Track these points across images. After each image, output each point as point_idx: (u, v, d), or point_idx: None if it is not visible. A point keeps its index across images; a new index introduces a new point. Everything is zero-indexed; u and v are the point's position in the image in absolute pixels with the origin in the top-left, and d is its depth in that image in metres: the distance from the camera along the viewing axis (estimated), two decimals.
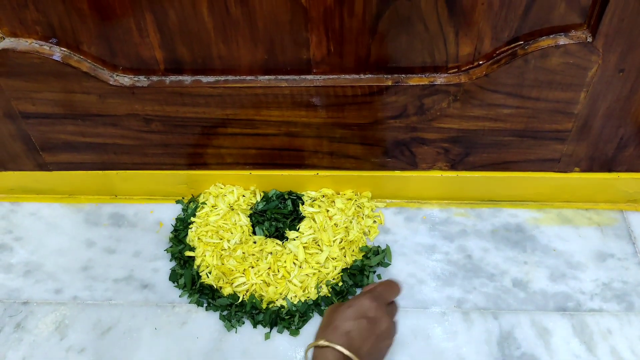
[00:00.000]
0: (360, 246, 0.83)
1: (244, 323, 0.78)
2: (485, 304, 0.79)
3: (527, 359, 0.74)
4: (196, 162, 0.87)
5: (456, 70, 0.73)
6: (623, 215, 0.87)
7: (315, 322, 0.78)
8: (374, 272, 0.82)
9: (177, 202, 0.92)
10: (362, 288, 0.78)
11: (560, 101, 0.74)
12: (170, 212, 0.91)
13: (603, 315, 0.77)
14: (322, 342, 0.61)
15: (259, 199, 0.89)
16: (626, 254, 0.83)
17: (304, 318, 0.78)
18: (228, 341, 0.77)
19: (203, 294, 0.80)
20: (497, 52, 0.71)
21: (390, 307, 0.68)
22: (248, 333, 0.78)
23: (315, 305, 0.78)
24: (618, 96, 0.73)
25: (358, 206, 0.88)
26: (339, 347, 0.60)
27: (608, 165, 0.83)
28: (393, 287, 0.69)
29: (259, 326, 0.78)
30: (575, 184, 0.85)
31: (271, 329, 0.77)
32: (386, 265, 0.83)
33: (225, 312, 0.79)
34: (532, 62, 0.70)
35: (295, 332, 0.77)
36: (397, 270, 0.83)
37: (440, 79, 0.73)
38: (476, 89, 0.73)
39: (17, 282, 0.84)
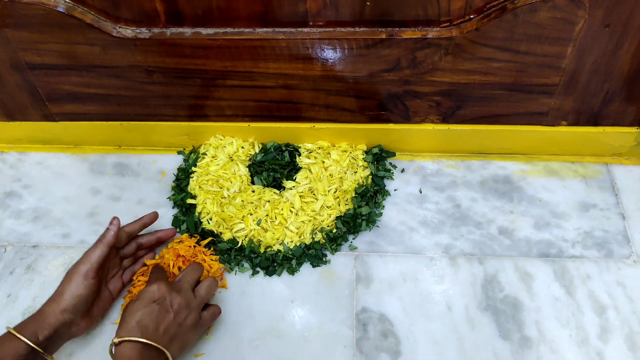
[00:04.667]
0: (352, 196, 0.87)
1: (243, 266, 0.82)
2: (471, 250, 0.83)
3: (509, 300, 0.78)
4: (197, 113, 0.90)
5: (448, 24, 0.75)
6: (607, 168, 0.91)
7: (308, 265, 0.82)
8: (366, 219, 0.86)
9: (179, 152, 0.96)
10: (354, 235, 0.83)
11: (548, 55, 0.77)
12: (172, 162, 0.95)
13: (583, 262, 0.81)
14: (115, 340, 0.65)
15: (257, 150, 0.93)
16: (608, 205, 0.87)
17: (300, 261, 0.82)
18: (228, 281, 0.81)
19: (204, 239, 0.84)
20: (488, 6, 0.73)
21: (182, 278, 0.73)
22: (246, 274, 0.82)
23: (307, 249, 0.83)
24: (604, 51, 0.76)
25: (352, 158, 0.91)
26: (132, 338, 0.64)
27: (594, 119, 0.86)
28: (190, 267, 0.75)
29: (258, 268, 0.82)
30: (562, 138, 0.88)
31: (268, 271, 0.82)
32: (379, 215, 0.87)
33: (225, 256, 0.83)
34: (521, 16, 0.72)
35: (292, 271, 0.82)
36: (388, 218, 0.87)
37: (432, 33, 0.75)
38: (467, 42, 0.76)
39: (27, 227, 0.88)
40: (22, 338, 0.65)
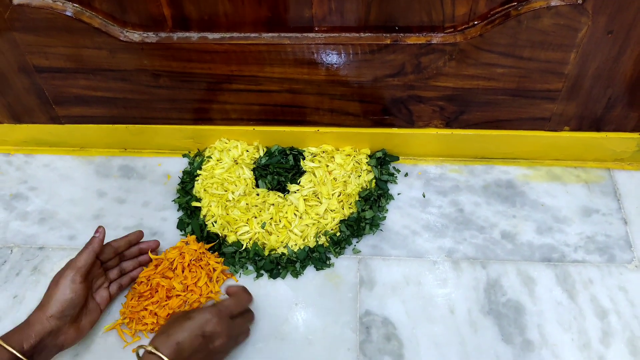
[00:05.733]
0: (356, 200, 0.88)
1: (247, 268, 0.83)
2: (474, 254, 0.84)
3: (512, 304, 0.79)
4: (202, 117, 0.91)
5: (452, 30, 0.76)
6: (610, 173, 0.91)
7: (312, 268, 0.83)
8: (369, 223, 0.86)
9: (184, 155, 0.96)
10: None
11: (551, 61, 0.77)
12: (177, 165, 0.96)
13: (585, 266, 0.82)
14: (149, 348, 0.64)
15: (262, 153, 0.93)
16: (611, 210, 0.87)
17: (304, 264, 0.83)
18: (232, 284, 0.82)
19: (209, 242, 0.85)
20: (492, 12, 0.73)
21: (243, 317, 0.73)
22: (250, 277, 0.83)
23: (311, 252, 0.83)
24: (607, 57, 0.76)
25: (356, 162, 0.92)
26: (163, 356, 0.63)
27: (597, 124, 0.86)
28: (242, 298, 0.74)
29: (262, 271, 0.83)
30: (564, 143, 0.89)
31: (272, 273, 0.82)
32: (382, 219, 0.87)
33: (229, 258, 0.84)
34: (525, 22, 0.73)
35: (296, 274, 0.82)
36: (392, 222, 0.87)
37: (436, 38, 0.76)
38: (471, 48, 0.76)
39: (33, 229, 0.89)
40: (7, 347, 0.63)
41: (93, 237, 0.75)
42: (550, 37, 0.74)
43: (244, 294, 0.76)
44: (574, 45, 0.75)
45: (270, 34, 0.78)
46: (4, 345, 0.64)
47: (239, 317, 0.73)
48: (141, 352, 0.65)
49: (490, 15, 0.74)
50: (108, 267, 0.79)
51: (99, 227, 0.76)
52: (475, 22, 0.75)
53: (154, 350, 0.63)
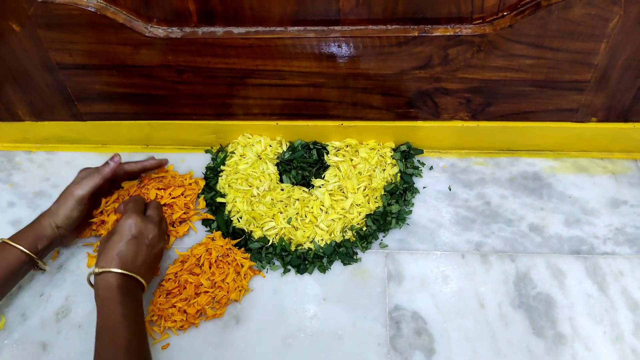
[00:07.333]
0: (382, 194, 0.87)
1: (274, 264, 0.83)
2: (502, 247, 0.83)
3: (542, 297, 0.78)
4: (225, 112, 0.90)
5: (481, 21, 0.75)
6: (637, 164, 0.90)
7: (339, 263, 0.82)
8: (396, 217, 0.86)
9: (206, 151, 0.96)
10: None
11: (581, 52, 0.77)
12: (199, 161, 0.95)
13: (615, 258, 0.81)
14: (96, 270, 0.70)
15: (285, 148, 0.93)
16: (639, 201, 0.86)
17: (331, 259, 0.82)
18: (259, 280, 0.81)
19: (234, 237, 0.85)
20: (522, 3, 0.73)
21: (151, 212, 0.79)
22: (278, 272, 0.82)
23: (338, 247, 0.83)
24: (637, 47, 0.75)
25: (381, 156, 0.91)
26: (113, 269, 0.69)
27: (624, 115, 0.85)
28: (135, 199, 0.80)
29: (289, 266, 0.82)
30: (591, 134, 0.88)
31: (299, 269, 0.82)
32: (409, 212, 0.87)
33: (256, 254, 0.83)
34: (555, 13, 0.72)
35: (323, 269, 0.82)
36: (418, 216, 0.87)
37: (465, 30, 0.75)
38: (500, 39, 0.76)
39: None
40: (23, 249, 0.75)
41: (107, 163, 0.83)
42: (581, 27, 0.73)
43: (133, 198, 0.81)
44: (604, 35, 0.74)
45: (296, 28, 0.77)
46: (19, 247, 0.75)
47: (148, 209, 0.80)
48: (92, 278, 0.71)
49: (520, 6, 0.73)
50: (116, 186, 0.86)
51: (115, 154, 0.83)
52: (505, 13, 0.74)
53: (102, 270, 0.69)
